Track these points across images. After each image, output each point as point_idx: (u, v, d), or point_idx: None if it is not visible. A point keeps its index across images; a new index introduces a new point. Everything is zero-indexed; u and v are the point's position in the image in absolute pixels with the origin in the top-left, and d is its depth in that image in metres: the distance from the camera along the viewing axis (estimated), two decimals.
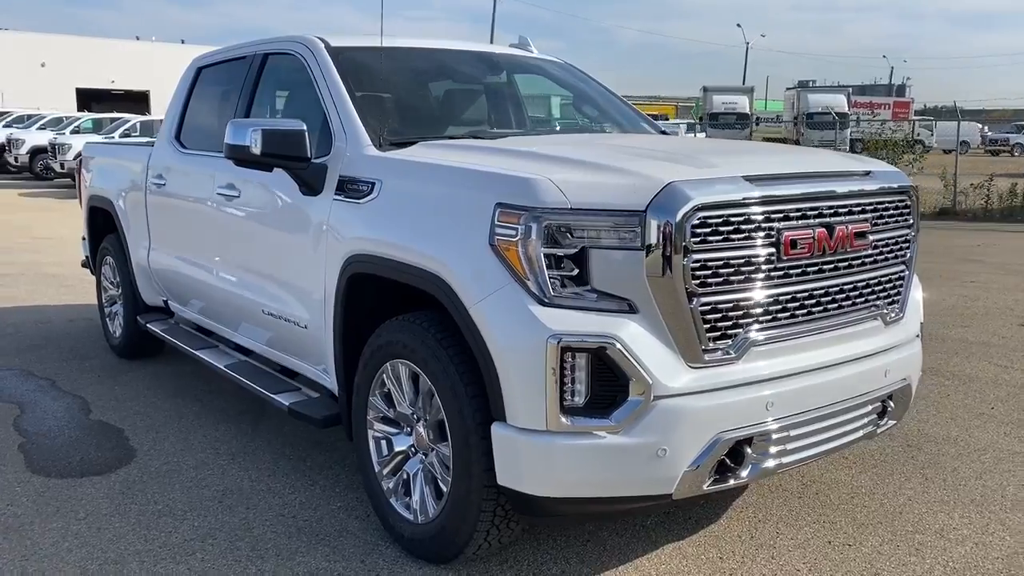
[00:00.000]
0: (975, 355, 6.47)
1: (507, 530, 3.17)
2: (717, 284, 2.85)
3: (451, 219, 3.09)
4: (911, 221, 3.51)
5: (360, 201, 3.51)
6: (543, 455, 2.81)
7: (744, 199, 2.88)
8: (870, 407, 3.32)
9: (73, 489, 4.06)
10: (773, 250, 2.94)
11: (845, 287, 3.20)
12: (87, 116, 27.78)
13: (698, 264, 2.80)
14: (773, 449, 3.02)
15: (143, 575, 3.28)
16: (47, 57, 50.55)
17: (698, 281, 2.81)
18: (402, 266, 3.22)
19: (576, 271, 2.82)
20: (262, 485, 4.10)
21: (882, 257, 3.35)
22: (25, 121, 28.13)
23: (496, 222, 2.89)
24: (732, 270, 2.87)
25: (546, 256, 2.80)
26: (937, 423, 4.95)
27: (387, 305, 3.46)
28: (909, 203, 3.50)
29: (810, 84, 62.80)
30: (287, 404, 4.03)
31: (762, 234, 2.91)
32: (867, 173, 3.36)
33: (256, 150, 3.66)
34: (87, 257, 7.05)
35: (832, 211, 3.11)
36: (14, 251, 11.91)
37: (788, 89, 48.97)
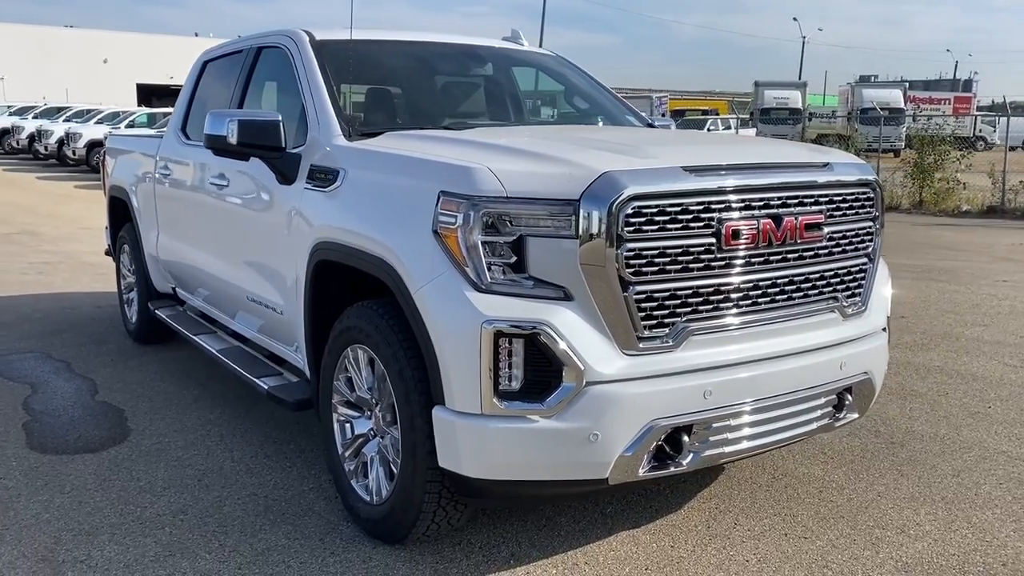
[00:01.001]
0: (986, 354, 6.34)
1: (454, 512, 3.24)
2: (653, 273, 2.88)
3: (401, 207, 3.17)
4: (874, 214, 3.48)
5: (326, 190, 3.61)
6: (478, 438, 2.87)
7: (681, 189, 2.90)
8: (823, 399, 3.31)
9: (64, 465, 4.24)
10: (713, 240, 2.95)
11: (796, 278, 3.20)
12: (142, 111, 28.53)
13: (632, 253, 2.83)
14: (714, 438, 3.04)
15: (111, 546, 3.42)
16: (110, 54, 52.07)
17: (632, 270, 2.84)
18: (358, 252, 3.31)
19: (514, 258, 2.87)
20: (242, 466, 4.23)
21: (839, 249, 3.34)
22: (84, 116, 28.97)
23: (439, 210, 2.96)
24: (669, 259, 2.89)
25: (484, 243, 2.86)
26: (927, 421, 4.88)
27: (351, 292, 3.55)
28: (872, 196, 3.47)
29: (872, 79, 61.60)
30: (266, 388, 4.16)
31: (701, 224, 2.93)
32: (825, 165, 3.34)
33: (233, 140, 3.78)
34: (109, 245, 7.30)
35: (780, 202, 3.10)
36: (59, 240, 12.33)
37: (843, 85, 48.02)
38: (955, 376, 5.78)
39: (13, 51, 50.47)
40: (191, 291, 5.55)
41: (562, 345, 2.79)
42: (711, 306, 3.01)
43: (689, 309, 2.97)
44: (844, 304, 3.40)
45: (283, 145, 3.81)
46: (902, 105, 38.47)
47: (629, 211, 2.81)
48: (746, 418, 3.09)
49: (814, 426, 3.34)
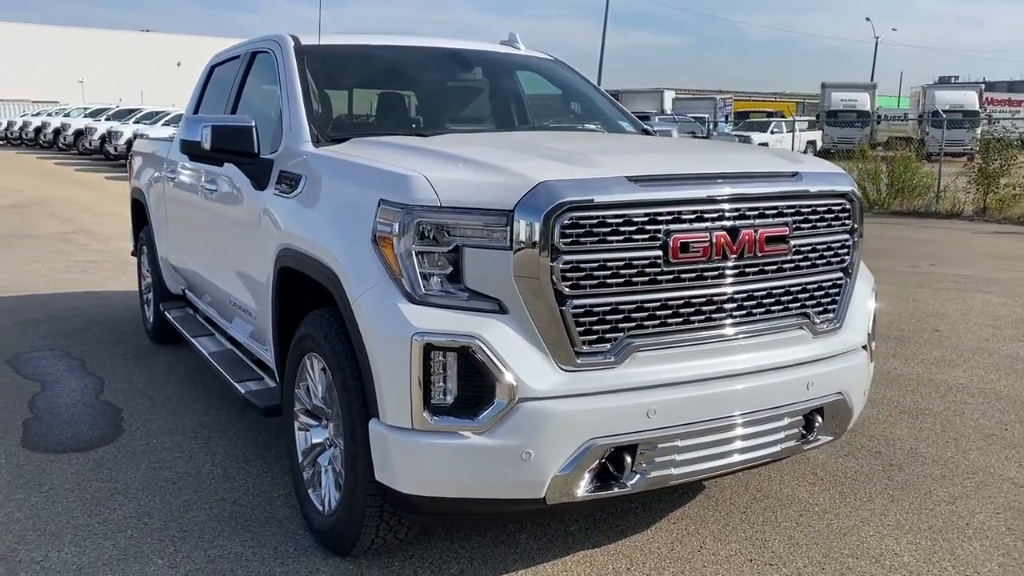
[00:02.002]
0: (1017, 372, 6.02)
1: (399, 527, 3.18)
2: (593, 286, 2.77)
3: (347, 215, 3.13)
4: (851, 226, 3.31)
5: (289, 196, 3.59)
6: (409, 453, 2.81)
7: (623, 200, 2.78)
8: (787, 420, 3.15)
9: (50, 464, 4.31)
10: (660, 253, 2.83)
11: (756, 293, 3.06)
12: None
13: (569, 265, 2.73)
14: (660, 459, 2.91)
15: (70, 548, 3.45)
16: (184, 57, 53.49)
17: (569, 283, 2.74)
18: (309, 259, 3.28)
19: (451, 269, 2.80)
20: (220, 470, 4.25)
21: (808, 263, 3.18)
22: (153, 118, 29.81)
23: (377, 219, 2.90)
24: (610, 272, 2.78)
25: (419, 254, 2.80)
26: (935, 442, 4.64)
27: (312, 299, 3.52)
28: (848, 207, 3.30)
29: (952, 80, 59.49)
30: (243, 392, 4.16)
31: (645, 236, 2.81)
32: (793, 175, 3.19)
33: (207, 145, 3.79)
34: (135, 247, 7.45)
35: (738, 213, 2.96)
36: (111, 239, 12.66)
37: (914, 87, 46.54)
38: (977, 395, 5.49)
39: (92, 55, 52.36)
40: (198, 295, 5.61)
41: (494, 360, 2.71)
42: (658, 321, 2.89)
43: (633, 324, 2.85)
44: (815, 321, 3.24)
45: (255, 151, 3.81)
46: (976, 107, 37.08)
47: (566, 222, 2.71)
48: (696, 439, 2.95)
49: (778, 448, 3.19)
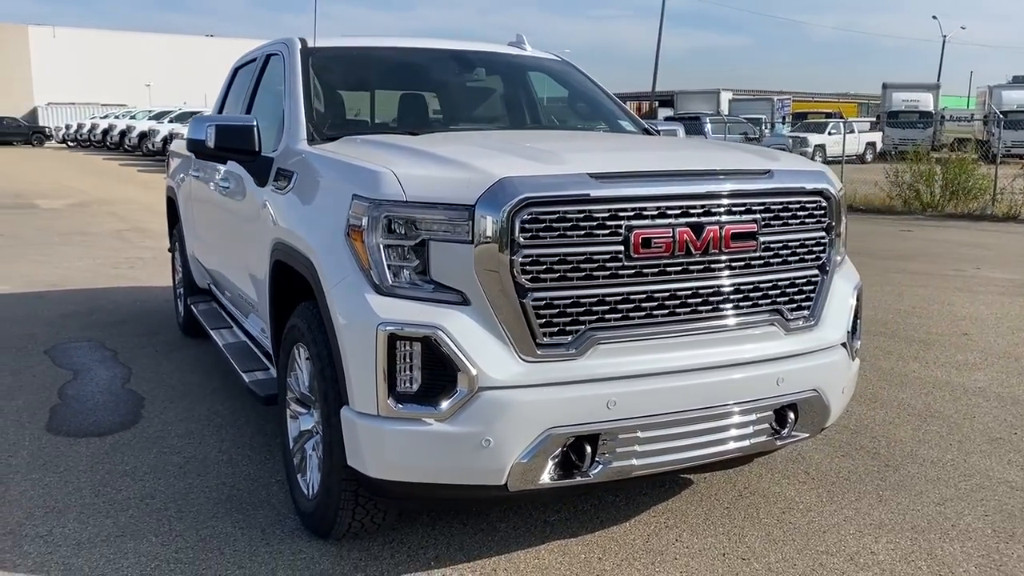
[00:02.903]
0: None
1: (375, 511, 3.29)
2: (553, 280, 2.85)
3: (326, 210, 3.25)
4: (827, 223, 3.32)
5: (283, 192, 3.74)
6: (375, 439, 2.92)
7: (584, 195, 2.85)
8: (755, 416, 3.18)
9: (68, 447, 4.53)
10: (621, 248, 2.90)
11: (722, 289, 3.09)
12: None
13: (529, 259, 2.81)
14: (622, 450, 2.97)
15: (74, 524, 3.65)
16: None
17: (529, 276, 2.82)
18: (295, 253, 3.41)
19: (417, 262, 2.91)
20: (225, 456, 4.42)
21: (779, 260, 3.20)
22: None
23: (350, 213, 3.02)
24: (570, 267, 2.86)
25: (386, 246, 2.91)
26: (937, 444, 4.59)
27: (302, 293, 3.65)
28: (825, 204, 3.31)
29: None
30: (247, 381, 4.32)
31: (606, 232, 2.88)
32: (765, 172, 3.21)
33: (211, 144, 3.96)
34: (170, 242, 7.73)
35: (703, 210, 3.01)
36: (162, 237, 12.85)
37: (980, 87, 45.21)
38: (993, 399, 5.40)
39: (159, 59, 53.93)
40: (220, 290, 5.82)
41: (455, 350, 2.80)
42: (620, 315, 2.95)
43: (595, 317, 2.92)
44: (788, 317, 3.26)
45: (256, 149, 3.96)
46: None
47: (525, 217, 2.79)
48: (658, 432, 3.00)
49: (747, 443, 3.21)
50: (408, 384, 2.86)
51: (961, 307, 8.23)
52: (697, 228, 2.99)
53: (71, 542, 3.49)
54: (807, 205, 3.26)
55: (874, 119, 41.92)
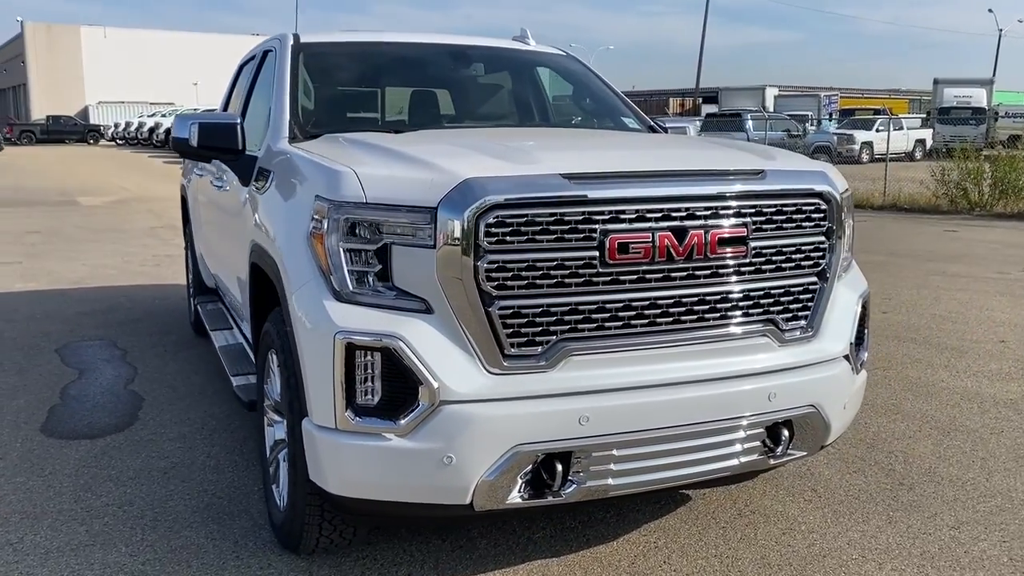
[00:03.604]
0: None
1: (342, 527, 3.16)
2: (521, 287, 2.68)
3: (293, 210, 3.11)
4: (827, 227, 3.10)
5: (261, 192, 3.62)
6: (334, 453, 2.77)
7: (555, 198, 2.67)
8: (744, 433, 2.97)
9: (59, 449, 4.47)
10: (596, 253, 2.71)
11: (708, 297, 2.89)
12: None
13: (495, 265, 2.64)
14: (596, 468, 2.79)
15: (46, 532, 3.56)
16: None
17: (495, 283, 2.65)
18: (265, 255, 3.29)
19: (380, 267, 2.75)
20: (213, 462, 4.32)
21: (772, 266, 2.99)
22: None
23: (312, 215, 2.88)
24: (540, 273, 2.68)
25: (346, 250, 2.76)
26: (959, 462, 4.31)
27: (275, 295, 3.53)
28: (824, 207, 3.09)
29: None
30: (234, 384, 4.22)
31: (579, 236, 2.69)
32: (758, 173, 3.00)
33: (194, 143, 3.86)
34: (185, 241, 7.71)
35: (686, 213, 2.81)
36: None
37: None
38: (1021, 413, 5.09)
39: (207, 58, 54.64)
40: (221, 290, 5.75)
41: (415, 361, 2.64)
42: (594, 325, 2.76)
43: (567, 327, 2.74)
44: (782, 328, 3.04)
45: (239, 147, 3.85)
46: None
47: (491, 220, 2.62)
48: (636, 449, 2.81)
49: (736, 462, 3.00)
50: (367, 396, 2.71)
51: (1001, 313, 7.85)
52: (680, 232, 2.79)
53: (40, 551, 3.41)
54: (804, 208, 3.04)
55: (924, 115, 40.85)
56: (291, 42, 4.35)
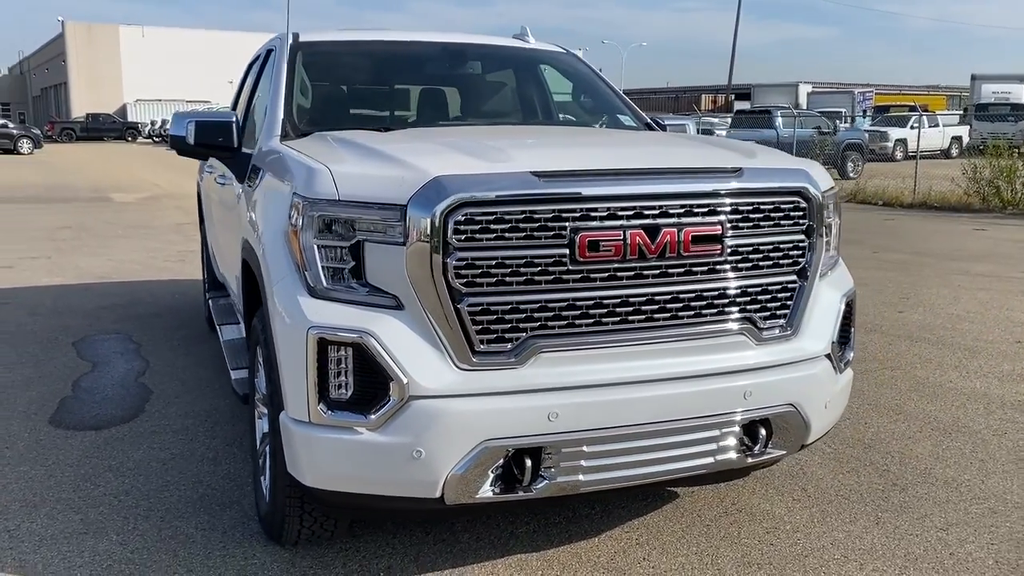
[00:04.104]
0: None
1: (323, 519, 3.20)
2: (491, 284, 2.70)
3: (275, 208, 3.16)
4: (806, 225, 3.08)
5: (252, 189, 3.68)
6: (307, 446, 2.82)
7: (525, 195, 2.70)
8: (719, 431, 2.97)
9: (64, 440, 4.58)
10: (566, 251, 2.73)
11: (682, 295, 2.89)
12: None
13: (464, 262, 2.67)
14: (566, 464, 2.81)
15: (43, 520, 3.66)
16: None
17: (464, 280, 2.68)
18: (251, 251, 3.35)
19: (353, 264, 2.80)
20: (211, 454, 4.40)
21: (749, 265, 2.98)
22: None
23: (289, 211, 2.93)
24: (509, 270, 2.70)
25: (320, 247, 2.80)
26: (957, 463, 4.26)
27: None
28: (804, 206, 3.07)
29: None
30: (232, 378, 4.29)
31: (549, 234, 2.71)
32: (735, 171, 2.99)
33: (191, 140, 3.94)
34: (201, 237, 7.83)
35: (659, 211, 2.81)
36: None
37: None
38: None
39: (242, 57, 55.19)
40: (228, 286, 5.84)
41: (385, 356, 2.68)
42: (565, 322, 2.78)
43: (537, 324, 2.76)
44: (760, 326, 3.03)
45: (235, 145, 3.92)
46: None
47: (459, 218, 2.65)
48: (607, 446, 2.83)
49: (711, 460, 3.01)
50: (339, 391, 2.75)
51: (1020, 313, 7.72)
52: (652, 230, 2.80)
53: (35, 538, 3.50)
54: (783, 206, 3.03)
55: (962, 112, 40.13)
56: (290, 41, 4.41)
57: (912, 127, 31.35)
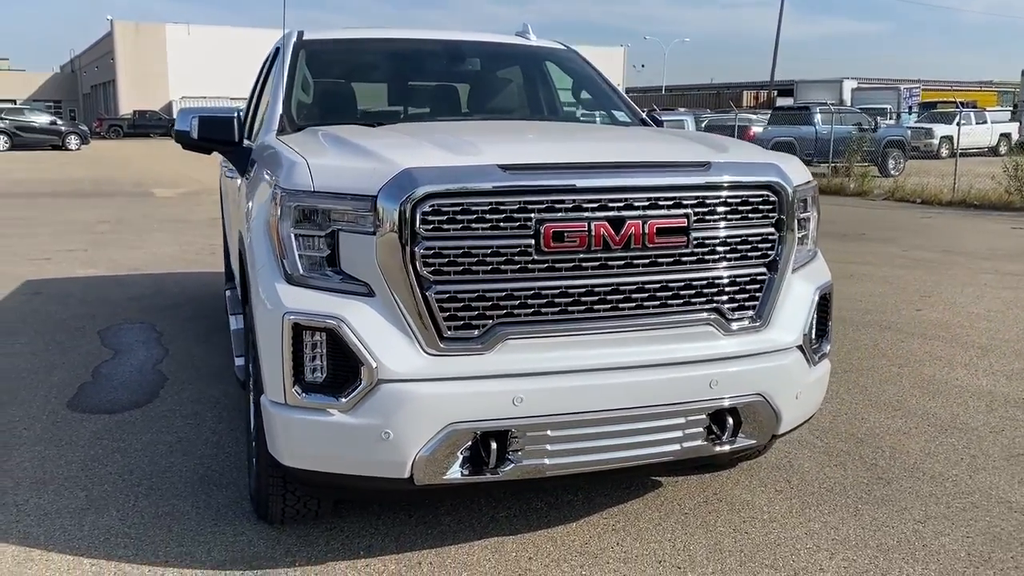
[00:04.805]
0: None
1: (306, 498, 3.33)
2: (458, 273, 2.81)
3: (261, 199, 3.30)
4: (775, 219, 3.14)
5: (248, 182, 3.82)
6: (284, 427, 2.95)
7: (491, 188, 2.79)
8: (684, 419, 3.04)
9: (79, 423, 4.78)
10: (531, 241, 2.82)
11: (647, 285, 2.97)
12: None
13: (431, 252, 2.77)
14: (532, 447, 2.91)
15: (49, 495, 3.84)
16: None
17: (431, 269, 2.78)
18: (243, 241, 3.49)
19: (329, 252, 2.92)
20: (216, 437, 4.56)
21: (716, 256, 3.05)
22: None
23: (272, 202, 3.06)
24: (476, 260, 2.80)
25: (297, 236, 2.93)
26: (946, 459, 4.27)
27: None
28: (773, 199, 3.13)
29: None
30: (236, 365, 4.45)
31: (515, 224, 2.81)
32: (703, 164, 3.06)
33: (194, 135, 4.09)
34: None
35: (623, 203, 2.89)
36: None
37: None
38: None
39: None
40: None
41: (355, 341, 2.80)
42: (531, 310, 2.88)
43: (503, 312, 2.86)
44: (728, 317, 3.10)
45: (236, 139, 4.06)
46: None
47: (427, 208, 2.76)
48: (571, 431, 2.92)
49: (677, 447, 3.08)
50: (314, 374, 2.88)
51: None
52: (616, 222, 2.88)
53: (40, 512, 3.68)
54: (751, 199, 3.09)
55: (1012, 108, 39.27)
56: (294, 39, 4.55)
57: (959, 123, 30.80)
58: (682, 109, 40.44)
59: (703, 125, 27.40)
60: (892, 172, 23.77)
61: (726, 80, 72.45)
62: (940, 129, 31.84)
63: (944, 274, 9.49)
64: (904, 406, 5.05)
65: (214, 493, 3.87)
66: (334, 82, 4.57)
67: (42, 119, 39.61)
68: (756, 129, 25.45)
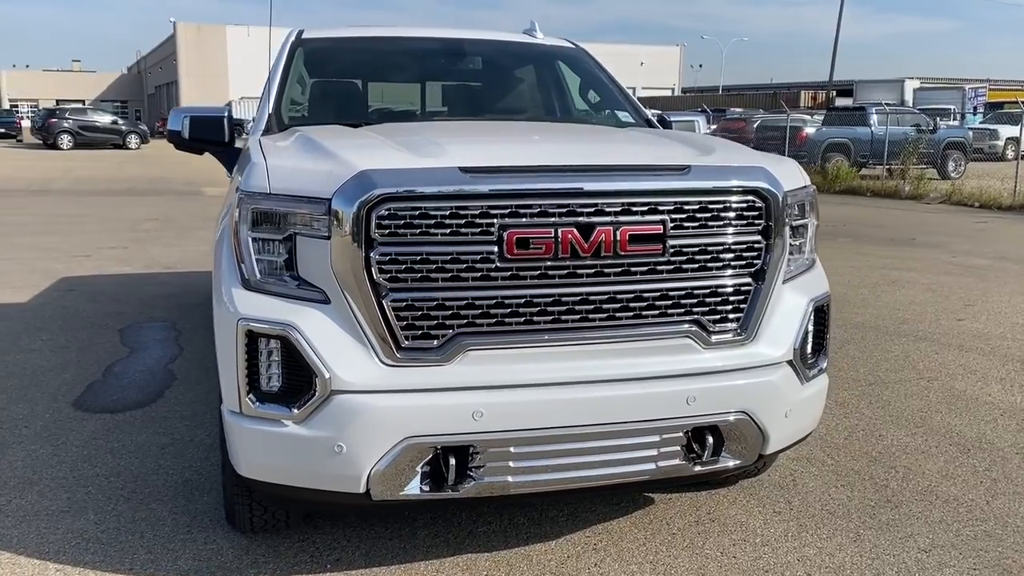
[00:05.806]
0: None
1: (272, 507, 3.24)
2: (415, 280, 2.68)
3: (230, 200, 3.22)
4: (762, 226, 2.95)
5: (231, 182, 3.75)
6: (239, 437, 2.87)
7: (449, 192, 2.66)
8: (659, 437, 2.87)
9: (79, 421, 4.78)
10: (494, 248, 2.68)
11: (619, 295, 2.81)
12: None
13: (387, 257, 2.66)
14: (494, 464, 2.77)
15: (33, 497, 3.83)
16: None
17: (387, 275, 2.67)
18: (217, 246, 3.41)
19: (286, 257, 2.82)
20: (210, 440, 4.51)
21: (696, 266, 2.87)
22: None
23: (235, 204, 2.97)
24: (435, 266, 2.68)
25: (253, 240, 2.84)
26: (965, 482, 4.01)
27: None
28: (759, 205, 2.94)
29: None
30: None
31: (476, 230, 2.68)
32: (682, 168, 2.88)
33: (185, 135, 4.05)
34: None
35: (593, 209, 2.74)
36: None
37: None
38: None
39: None
40: None
41: (308, 349, 2.70)
42: (493, 320, 2.74)
43: (464, 321, 2.73)
44: (709, 330, 2.92)
45: (227, 140, 4.01)
46: None
47: (382, 212, 2.64)
48: (535, 447, 2.77)
49: (652, 466, 2.91)
50: (269, 383, 2.79)
51: None
52: (585, 229, 2.73)
53: (20, 513, 3.66)
54: (735, 205, 2.90)
55: None
56: (292, 38, 4.48)
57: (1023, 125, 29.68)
58: (737, 109, 39.80)
59: (754, 126, 26.85)
60: (952, 175, 23.00)
61: (785, 80, 71.13)
62: (1005, 130, 30.72)
63: (993, 282, 9.08)
64: (927, 423, 4.78)
65: (194, 498, 3.81)
66: (329, 81, 4.50)
67: (104, 119, 40.69)
68: (809, 130, 24.84)
